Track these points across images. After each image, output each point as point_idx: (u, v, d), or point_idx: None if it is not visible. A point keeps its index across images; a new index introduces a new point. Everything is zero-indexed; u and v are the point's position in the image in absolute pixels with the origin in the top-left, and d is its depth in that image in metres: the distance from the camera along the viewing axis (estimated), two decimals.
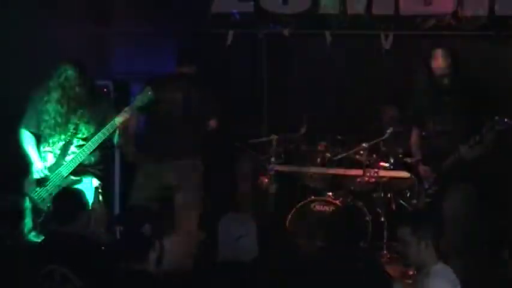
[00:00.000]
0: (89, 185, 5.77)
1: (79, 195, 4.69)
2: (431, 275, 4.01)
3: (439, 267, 4.06)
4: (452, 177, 5.56)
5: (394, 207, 7.05)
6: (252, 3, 7.69)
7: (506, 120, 5.36)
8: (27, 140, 5.83)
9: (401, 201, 7.08)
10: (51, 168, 5.78)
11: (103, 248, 4.28)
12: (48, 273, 3.97)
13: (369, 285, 4.03)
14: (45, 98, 5.81)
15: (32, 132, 5.84)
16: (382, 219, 6.95)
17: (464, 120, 5.56)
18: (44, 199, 5.73)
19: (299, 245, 6.30)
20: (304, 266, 4.31)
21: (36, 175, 5.75)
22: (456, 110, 5.59)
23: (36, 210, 5.69)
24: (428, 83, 5.69)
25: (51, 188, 5.74)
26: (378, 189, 7.07)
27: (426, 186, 5.72)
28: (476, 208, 5.63)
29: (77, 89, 5.78)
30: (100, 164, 5.92)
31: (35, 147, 5.83)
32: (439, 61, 5.60)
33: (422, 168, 5.75)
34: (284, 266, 4.16)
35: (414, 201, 6.44)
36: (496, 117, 5.36)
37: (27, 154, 5.80)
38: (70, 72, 5.76)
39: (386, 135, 7.02)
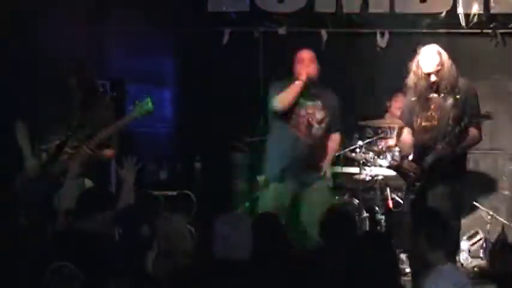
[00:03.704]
0: (81, 185, 5.76)
1: (104, 193, 4.68)
2: (435, 275, 3.98)
3: (445, 268, 3.99)
4: (435, 173, 5.61)
5: (390, 204, 7.07)
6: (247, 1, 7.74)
7: (484, 112, 5.46)
8: (22, 134, 5.82)
9: (397, 199, 7.10)
10: (43, 167, 5.78)
11: (111, 247, 4.27)
12: (57, 269, 3.98)
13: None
14: (45, 97, 5.82)
15: (28, 128, 5.83)
16: (379, 216, 6.97)
17: (449, 116, 5.62)
18: (34, 196, 5.73)
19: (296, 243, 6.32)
20: (301, 264, 4.33)
21: (29, 172, 5.76)
22: (442, 107, 5.65)
23: (25, 206, 5.70)
24: (416, 81, 5.74)
25: (42, 185, 5.74)
26: (374, 186, 7.09)
27: (410, 183, 5.79)
28: (460, 205, 5.69)
29: (77, 89, 5.78)
30: (94, 165, 5.91)
31: (29, 142, 5.81)
32: (426, 58, 5.65)
33: (406, 163, 5.82)
34: (281, 264, 4.16)
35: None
36: (474, 111, 5.47)
37: (20, 148, 5.79)
38: (70, 72, 5.76)
39: (381, 134, 7.06)
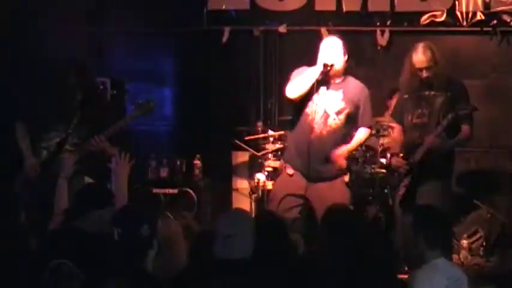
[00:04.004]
0: (77, 184, 5.75)
1: (102, 191, 4.67)
2: (428, 269, 3.99)
3: (437, 263, 3.99)
4: (424, 169, 5.64)
5: (390, 202, 7.07)
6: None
7: (469, 104, 5.51)
8: (22, 133, 5.83)
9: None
10: (43, 165, 5.79)
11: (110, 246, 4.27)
12: (56, 266, 3.98)
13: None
14: (45, 96, 5.83)
15: (28, 127, 5.85)
16: (379, 214, 6.98)
17: (440, 114, 5.66)
18: (34, 194, 5.74)
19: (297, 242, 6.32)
20: (302, 263, 4.33)
21: (28, 171, 5.76)
22: (433, 104, 5.69)
23: (25, 206, 5.71)
24: (409, 77, 5.77)
25: (41, 184, 5.75)
26: (374, 184, 7.10)
27: (399, 179, 5.82)
28: (449, 200, 5.72)
29: (77, 89, 5.80)
30: (93, 164, 5.91)
31: (29, 142, 5.83)
32: (419, 53, 5.69)
33: (395, 159, 5.84)
34: (283, 264, 4.16)
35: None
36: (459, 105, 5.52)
37: (20, 148, 5.80)
38: (71, 72, 5.77)
39: (382, 132, 7.07)
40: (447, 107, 5.64)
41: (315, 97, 5.67)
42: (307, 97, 5.68)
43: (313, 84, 5.61)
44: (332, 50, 5.69)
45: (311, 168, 5.68)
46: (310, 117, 5.70)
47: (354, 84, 5.83)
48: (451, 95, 5.67)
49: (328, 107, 5.71)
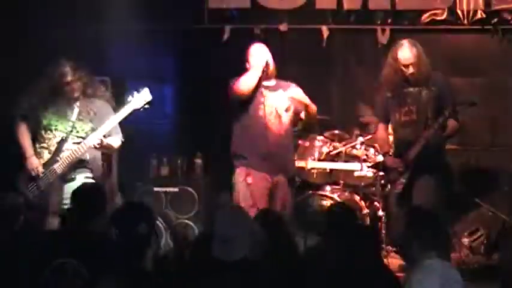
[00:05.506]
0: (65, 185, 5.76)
1: (101, 191, 4.66)
2: (421, 270, 3.98)
3: (431, 263, 3.97)
4: (419, 166, 5.65)
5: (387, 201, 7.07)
6: None
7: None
8: (23, 133, 5.85)
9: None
10: (45, 165, 5.79)
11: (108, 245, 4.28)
12: (60, 265, 3.99)
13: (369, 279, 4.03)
14: (43, 95, 5.84)
15: (28, 127, 5.85)
16: (380, 213, 6.98)
17: (428, 109, 5.66)
18: (35, 195, 5.74)
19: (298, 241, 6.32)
20: (303, 263, 4.33)
21: (30, 171, 5.76)
22: (419, 100, 5.69)
23: (27, 206, 5.71)
24: (394, 74, 5.77)
25: (44, 184, 5.75)
26: (375, 183, 7.09)
27: (394, 178, 5.82)
28: (445, 197, 5.72)
29: (74, 86, 5.81)
30: (94, 162, 5.92)
31: (30, 141, 5.84)
32: (404, 50, 5.71)
33: (390, 159, 5.84)
34: (283, 263, 4.15)
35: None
36: (452, 101, 5.55)
37: (21, 148, 5.81)
38: (66, 69, 5.78)
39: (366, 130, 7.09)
40: (434, 102, 5.67)
41: (262, 100, 5.89)
42: (252, 102, 5.88)
43: (257, 86, 5.85)
44: (264, 53, 5.94)
45: (276, 167, 5.89)
46: (265, 120, 5.87)
47: (286, 84, 6.06)
48: (436, 90, 5.70)
49: (278, 107, 5.93)
